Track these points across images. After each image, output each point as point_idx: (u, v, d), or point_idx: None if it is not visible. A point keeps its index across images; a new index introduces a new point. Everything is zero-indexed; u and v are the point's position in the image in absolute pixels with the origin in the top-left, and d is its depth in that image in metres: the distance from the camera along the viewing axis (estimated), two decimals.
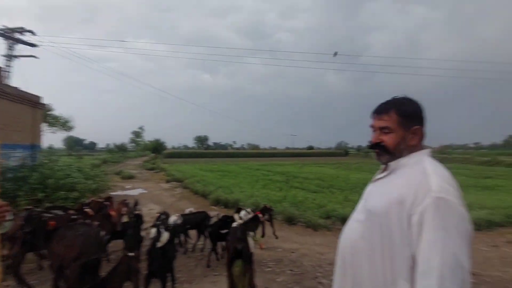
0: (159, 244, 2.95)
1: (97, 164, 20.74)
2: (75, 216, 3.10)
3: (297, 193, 10.30)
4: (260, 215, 4.27)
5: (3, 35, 11.53)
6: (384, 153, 1.20)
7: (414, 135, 1.17)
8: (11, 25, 12.48)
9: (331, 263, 3.29)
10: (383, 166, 1.27)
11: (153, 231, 3.46)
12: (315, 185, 12.20)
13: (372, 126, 1.25)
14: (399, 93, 1.25)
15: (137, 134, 57.15)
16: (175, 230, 3.34)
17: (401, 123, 1.17)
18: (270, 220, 4.79)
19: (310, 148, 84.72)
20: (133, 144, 57.07)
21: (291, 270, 3.87)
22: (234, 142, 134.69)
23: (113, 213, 3.57)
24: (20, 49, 12.18)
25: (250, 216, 4.41)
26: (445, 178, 1.06)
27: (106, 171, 11.34)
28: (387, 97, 1.26)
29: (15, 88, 8.77)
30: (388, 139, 1.18)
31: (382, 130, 1.19)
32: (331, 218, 6.75)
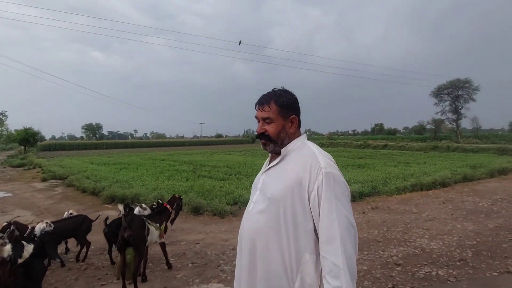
0: (20, 261, 2.20)
1: None
2: None
3: (204, 182, 10.04)
4: (168, 206, 3.84)
5: None
6: (269, 142, 1.29)
7: (292, 123, 1.30)
8: None
9: (235, 248, 3.23)
10: (270, 155, 1.37)
11: (7, 247, 2.63)
12: (223, 173, 12.20)
13: (256, 118, 1.32)
14: (287, 86, 1.35)
15: None
16: (42, 241, 2.61)
17: (280, 112, 1.27)
18: (180, 209, 4.31)
19: (219, 136, 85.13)
20: None
21: (192, 263, 3.66)
22: (135, 131, 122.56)
23: None
24: None
25: (147, 211, 3.93)
26: (328, 156, 1.22)
27: None
28: (287, 89, 1.36)
29: None
30: (271, 129, 1.27)
31: (265, 120, 1.28)
32: (238, 203, 6.82)
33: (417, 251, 3.95)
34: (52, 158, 23.14)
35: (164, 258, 3.53)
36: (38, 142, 35.91)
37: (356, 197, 7.36)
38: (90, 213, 6.33)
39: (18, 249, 2.81)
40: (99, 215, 4.47)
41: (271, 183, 1.26)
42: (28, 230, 3.28)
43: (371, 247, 4.15)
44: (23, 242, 2.91)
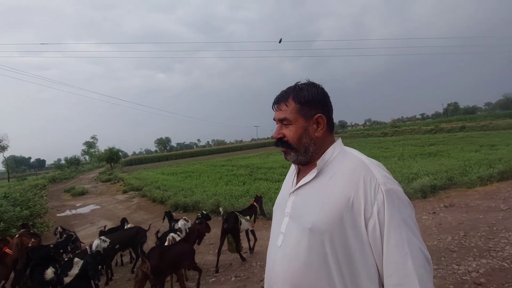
0: (67, 278, 2.46)
1: (42, 185, 18.63)
2: None
3: (260, 184, 10.12)
4: (255, 204, 4.90)
5: None
6: (289, 149, 1.01)
7: (317, 125, 1.00)
8: None
9: None
10: (295, 167, 1.07)
11: (49, 271, 2.85)
12: (279, 174, 12.12)
13: (274, 120, 1.06)
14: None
15: (90, 144, 52.96)
16: (85, 263, 2.70)
17: (301, 111, 0.99)
18: (261, 207, 5.14)
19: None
20: (87, 156, 52.79)
21: (236, 277, 3.61)
22: (199, 140, 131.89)
23: (7, 251, 2.94)
24: None
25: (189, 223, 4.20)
26: (381, 166, 0.93)
27: (42, 194, 10.05)
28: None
29: None
30: (289, 133, 1.00)
31: (282, 122, 1.02)
32: None
33: (505, 264, 3.10)
34: (133, 172, 26.42)
35: (210, 269, 3.58)
36: (121, 159, 41.60)
37: (426, 192, 6.39)
38: (158, 221, 6.96)
39: (65, 267, 2.94)
40: (150, 224, 4.80)
41: (307, 207, 0.95)
42: (87, 248, 3.58)
43: (442, 259, 3.36)
44: (76, 258, 3.06)
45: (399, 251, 0.82)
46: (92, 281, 2.64)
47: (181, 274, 3.21)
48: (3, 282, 2.98)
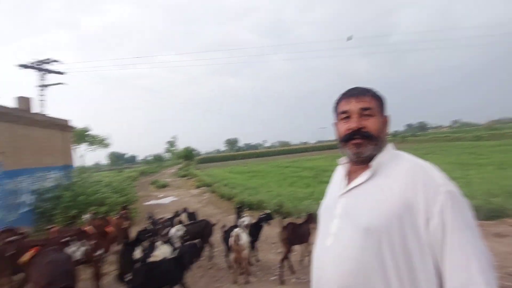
0: (151, 259, 2.86)
1: (134, 177, 21.89)
2: (67, 238, 3.12)
3: (325, 188, 9.81)
4: None
5: (34, 68, 12.61)
6: (368, 141, 0.96)
7: (386, 125, 1.03)
8: (41, 57, 13.65)
9: None
10: (345, 169, 1.05)
11: (137, 251, 3.34)
12: None
13: (344, 112, 1.01)
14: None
15: (171, 143, 59.84)
16: (183, 253, 3.04)
17: (380, 108, 1.01)
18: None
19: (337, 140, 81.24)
20: (168, 154, 59.80)
21: (297, 278, 3.56)
22: (265, 141, 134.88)
23: (109, 229, 3.59)
24: (50, 78, 13.32)
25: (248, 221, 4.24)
26: (436, 168, 0.92)
27: (134, 184, 11.83)
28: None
29: (43, 115, 9.51)
30: (372, 124, 0.97)
31: (363, 112, 0.98)
32: None
33: None
34: (205, 169, 28.74)
35: (271, 267, 3.64)
36: (196, 157, 45.78)
37: None
38: (225, 216, 7.46)
39: (149, 249, 3.40)
40: (219, 219, 5.15)
41: (361, 207, 0.93)
42: (166, 231, 4.13)
43: None
44: (157, 242, 3.53)
45: (463, 252, 0.80)
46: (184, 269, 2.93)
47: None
48: (106, 253, 3.68)
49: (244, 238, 3.43)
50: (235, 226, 4.00)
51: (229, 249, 3.53)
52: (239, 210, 5.05)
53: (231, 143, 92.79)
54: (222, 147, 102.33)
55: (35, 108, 10.11)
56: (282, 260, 3.56)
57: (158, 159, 51.76)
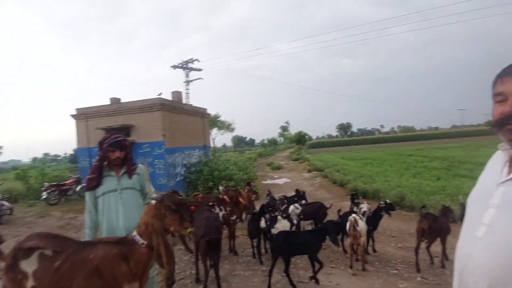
0: (273, 230, 3.35)
1: (253, 158, 24.54)
2: (211, 203, 4.01)
3: (462, 183, 8.22)
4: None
5: (181, 67, 15.85)
6: None
7: None
8: (185, 58, 17.08)
9: None
10: (506, 157, 0.95)
11: (262, 222, 3.87)
12: None
13: (499, 94, 0.91)
14: None
15: (284, 128, 62.86)
16: (326, 228, 3.22)
17: None
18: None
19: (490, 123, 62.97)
20: (281, 138, 63.10)
21: (422, 278, 3.25)
22: (382, 126, 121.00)
23: (241, 200, 4.34)
24: (192, 75, 16.51)
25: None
26: None
27: (255, 164, 13.31)
28: None
29: (190, 105, 11.98)
30: None
31: None
32: None
33: None
34: (316, 154, 28.89)
35: (391, 260, 3.51)
36: (307, 142, 46.47)
37: None
38: (337, 202, 7.50)
39: (272, 221, 3.84)
40: (332, 203, 5.21)
41: None
42: (284, 206, 4.54)
43: None
44: (279, 216, 3.98)
45: None
46: (333, 243, 3.22)
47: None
48: (238, 219, 4.53)
49: (362, 224, 3.44)
50: (352, 212, 4.04)
51: (345, 234, 3.63)
52: (354, 197, 4.99)
53: (344, 128, 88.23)
54: (334, 132, 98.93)
55: (183, 100, 12.87)
56: (416, 250, 3.45)
57: (272, 142, 55.54)
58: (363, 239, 3.39)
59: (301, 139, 41.16)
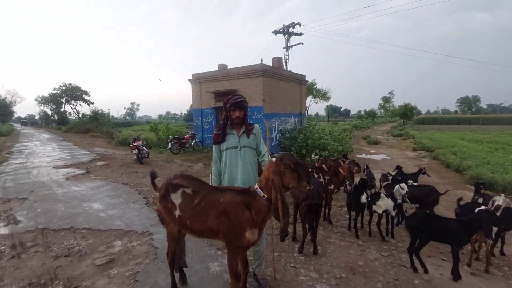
0: (374, 207, 3.16)
1: (348, 129, 23.23)
2: (311, 169, 4.02)
3: None
4: None
5: (281, 32, 15.64)
6: None
7: None
8: (286, 22, 16.63)
9: None
10: None
11: (363, 197, 3.75)
12: None
13: None
14: None
15: (386, 99, 55.95)
16: (479, 216, 2.68)
17: None
18: None
19: None
20: (382, 110, 56.63)
21: None
22: None
23: (341, 171, 4.20)
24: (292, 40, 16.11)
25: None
26: None
27: (351, 136, 12.58)
28: None
29: (289, 71, 11.94)
30: None
31: None
32: None
33: None
34: (424, 131, 24.95)
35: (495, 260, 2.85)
36: (414, 116, 40.36)
37: None
38: (451, 189, 6.45)
39: (374, 197, 3.70)
40: (448, 190, 4.47)
41: None
42: (385, 183, 4.12)
43: None
44: (382, 194, 3.74)
45: None
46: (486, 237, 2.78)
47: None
48: (336, 190, 4.48)
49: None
50: (476, 204, 3.41)
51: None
52: (480, 186, 4.14)
53: (467, 102, 71.60)
54: (453, 107, 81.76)
55: (283, 66, 12.89)
56: None
57: (371, 114, 50.60)
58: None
59: (407, 112, 35.82)
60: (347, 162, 4.30)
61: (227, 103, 2.42)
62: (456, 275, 2.68)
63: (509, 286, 2.65)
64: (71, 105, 34.74)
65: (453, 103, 77.08)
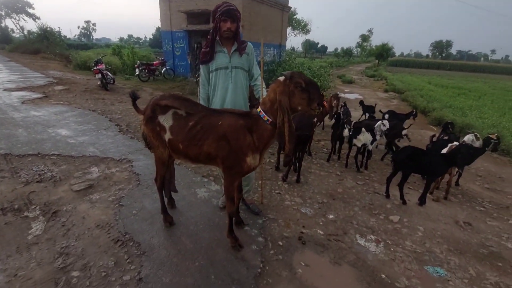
0: (355, 141, 3.31)
1: (324, 66, 22.85)
2: None
3: None
4: None
5: None
6: None
7: None
8: None
9: None
10: None
11: (346, 131, 3.91)
12: None
13: None
14: None
15: (364, 38, 54.57)
16: (458, 150, 2.87)
17: None
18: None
19: None
20: (358, 50, 55.77)
21: None
22: (493, 51, 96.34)
23: (325, 104, 4.21)
24: None
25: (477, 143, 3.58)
26: None
27: (329, 73, 12.43)
28: None
29: None
30: None
31: None
32: None
33: None
34: (396, 73, 25.42)
35: (477, 198, 3.27)
36: (389, 58, 40.46)
37: None
38: (414, 130, 6.90)
39: (355, 132, 3.81)
40: (412, 124, 4.82)
41: None
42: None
43: None
44: (363, 129, 3.80)
45: None
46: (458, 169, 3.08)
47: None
48: (318, 122, 4.53)
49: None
50: (447, 140, 3.67)
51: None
52: (448, 126, 4.43)
53: (439, 46, 72.70)
54: (426, 50, 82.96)
55: None
56: None
57: (347, 53, 49.68)
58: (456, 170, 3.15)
59: (383, 53, 35.66)
60: (330, 95, 4.26)
61: (216, 11, 2.07)
62: (422, 201, 3.03)
63: (462, 210, 3.07)
64: (13, 20, 29.35)
65: (427, 46, 77.89)
